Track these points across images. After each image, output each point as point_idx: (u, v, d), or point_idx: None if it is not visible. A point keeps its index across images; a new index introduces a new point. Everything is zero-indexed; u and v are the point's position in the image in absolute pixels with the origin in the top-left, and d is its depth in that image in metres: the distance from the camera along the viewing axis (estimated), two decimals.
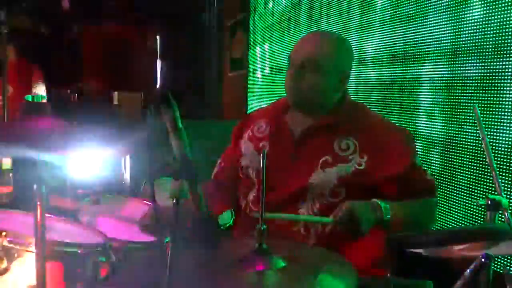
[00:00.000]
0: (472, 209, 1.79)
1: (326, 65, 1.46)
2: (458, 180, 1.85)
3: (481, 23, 1.72)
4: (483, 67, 1.73)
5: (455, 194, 1.87)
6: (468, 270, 0.77)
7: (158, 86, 5.94)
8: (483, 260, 0.74)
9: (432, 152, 1.99)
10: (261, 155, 1.03)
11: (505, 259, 1.52)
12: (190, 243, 0.97)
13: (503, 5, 1.62)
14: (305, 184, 1.44)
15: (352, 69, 1.59)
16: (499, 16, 1.64)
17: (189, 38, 5.67)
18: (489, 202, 1.14)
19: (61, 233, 1.36)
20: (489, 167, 1.25)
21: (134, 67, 6.34)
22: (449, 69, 1.88)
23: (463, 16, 1.80)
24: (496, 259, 1.30)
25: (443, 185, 1.92)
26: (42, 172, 0.87)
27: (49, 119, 0.84)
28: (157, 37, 5.94)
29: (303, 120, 1.54)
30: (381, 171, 1.42)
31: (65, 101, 4.17)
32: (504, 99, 1.64)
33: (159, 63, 5.91)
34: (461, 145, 1.84)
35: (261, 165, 1.02)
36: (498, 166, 1.61)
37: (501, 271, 1.10)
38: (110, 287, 1.15)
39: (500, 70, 1.65)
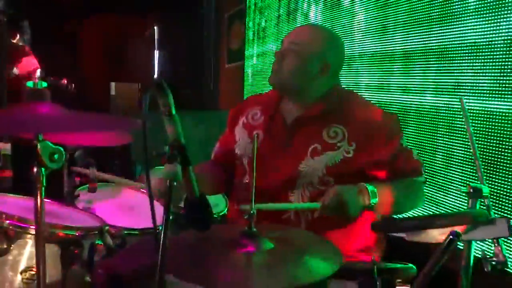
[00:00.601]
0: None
1: (307, 51, 1.50)
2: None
3: None
4: None
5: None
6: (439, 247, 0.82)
7: (155, 76, 5.96)
8: (451, 237, 0.78)
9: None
10: (253, 140, 1.07)
11: (484, 244, 1.57)
12: (183, 226, 1.01)
13: None
14: (295, 172, 1.48)
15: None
16: None
17: (187, 29, 5.67)
18: (471, 190, 1.19)
19: (59, 217, 1.41)
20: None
21: (131, 58, 6.35)
22: None
23: None
24: (477, 245, 1.34)
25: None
26: (41, 156, 0.91)
27: (48, 104, 0.88)
28: (155, 27, 5.95)
29: (295, 109, 1.59)
30: (369, 157, 1.46)
31: (62, 91, 4.20)
32: None
33: (156, 54, 5.92)
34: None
35: (252, 149, 1.06)
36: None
37: (480, 255, 1.15)
38: (106, 269, 1.19)
39: None
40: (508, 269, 1.48)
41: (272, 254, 1.07)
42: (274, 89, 1.63)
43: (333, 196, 1.34)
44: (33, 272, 1.22)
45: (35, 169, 0.92)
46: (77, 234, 1.29)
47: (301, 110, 1.57)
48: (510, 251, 1.57)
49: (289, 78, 1.52)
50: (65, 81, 4.51)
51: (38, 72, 3.58)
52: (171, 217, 0.88)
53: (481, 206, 1.21)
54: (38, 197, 0.93)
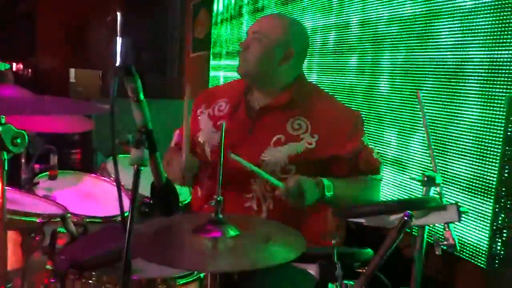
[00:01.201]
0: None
1: (269, 39, 1.54)
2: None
3: None
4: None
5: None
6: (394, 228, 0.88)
7: (117, 64, 5.82)
8: (405, 218, 0.84)
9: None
10: (221, 128, 1.09)
11: (435, 229, 1.66)
12: (150, 211, 1.02)
13: None
14: (257, 161, 1.51)
15: None
16: None
17: (151, 17, 5.57)
18: (425, 178, 1.26)
19: (19, 204, 1.37)
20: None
21: (92, 44, 6.16)
22: None
23: None
24: (429, 231, 1.43)
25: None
26: (3, 140, 0.89)
27: (13, 86, 0.86)
28: (118, 13, 5.80)
29: (260, 99, 1.61)
30: (330, 150, 1.51)
31: (18, 76, 4.03)
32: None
33: (119, 41, 5.78)
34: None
35: (219, 138, 1.08)
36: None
37: (433, 241, 1.22)
38: (69, 256, 1.18)
39: None
40: (457, 253, 1.59)
41: (237, 239, 1.10)
42: (242, 78, 1.65)
43: (294, 184, 1.39)
44: None
45: None
46: (38, 221, 1.27)
47: (267, 99, 1.60)
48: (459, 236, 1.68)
49: (254, 66, 1.56)
50: (21, 66, 4.34)
51: None
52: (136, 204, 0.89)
53: (434, 193, 1.29)
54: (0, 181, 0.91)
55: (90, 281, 1.17)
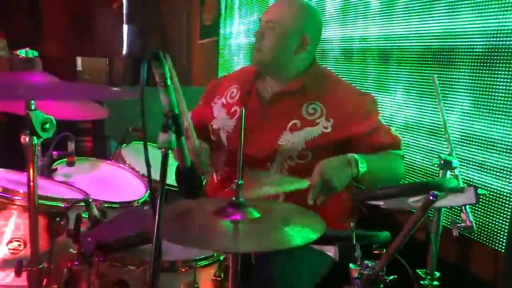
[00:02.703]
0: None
1: (284, 28, 1.53)
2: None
3: None
4: None
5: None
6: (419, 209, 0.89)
7: (124, 52, 5.82)
8: (431, 198, 0.86)
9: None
10: (239, 114, 1.10)
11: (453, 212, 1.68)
12: (172, 196, 1.04)
13: None
14: (274, 146, 1.53)
15: None
16: None
17: (157, 3, 5.54)
18: (442, 162, 1.28)
19: (43, 189, 1.40)
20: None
21: (98, 31, 6.14)
22: None
23: None
24: (445, 214, 1.44)
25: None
26: (34, 125, 0.91)
27: (42, 73, 0.87)
28: (123, 0, 5.78)
29: (272, 85, 1.62)
30: (347, 132, 1.52)
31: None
32: None
33: (125, 28, 5.77)
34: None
35: (237, 123, 1.08)
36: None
37: (450, 226, 1.25)
38: (95, 238, 1.21)
39: None
40: (474, 236, 1.60)
41: (257, 222, 1.12)
42: (257, 69, 1.65)
43: (318, 177, 1.37)
44: (19, 243, 1.22)
45: (26, 139, 0.93)
46: (63, 205, 1.30)
47: (281, 85, 1.61)
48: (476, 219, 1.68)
49: (270, 56, 1.55)
50: None
51: (1, 43, 3.42)
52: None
53: (451, 176, 1.31)
54: (31, 166, 0.94)
55: (115, 263, 1.20)
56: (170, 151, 0.89)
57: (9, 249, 1.23)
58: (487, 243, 1.58)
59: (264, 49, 1.55)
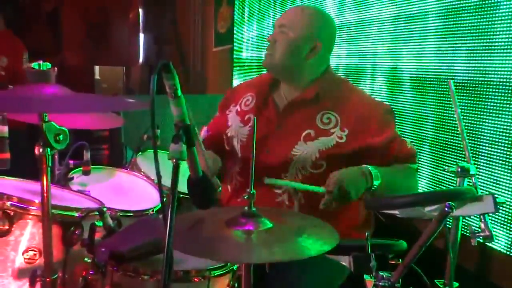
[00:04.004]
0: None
1: (296, 31, 1.53)
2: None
3: None
4: None
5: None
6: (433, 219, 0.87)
7: (140, 60, 5.90)
8: (446, 209, 0.84)
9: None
10: (252, 123, 1.10)
11: (471, 220, 1.64)
12: (186, 204, 1.04)
13: None
14: (288, 156, 1.52)
15: None
16: None
17: (172, 12, 5.61)
18: (459, 169, 1.24)
19: (57, 198, 1.42)
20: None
21: (115, 41, 6.24)
22: None
23: None
24: (463, 222, 1.41)
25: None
26: (47, 137, 0.92)
27: (53, 85, 0.89)
28: (140, 10, 5.86)
29: (289, 92, 1.62)
30: (361, 143, 1.50)
31: None
32: None
33: (142, 37, 5.85)
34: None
35: (249, 131, 1.07)
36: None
37: (468, 233, 1.21)
38: (108, 247, 1.22)
39: None
40: (493, 244, 1.56)
41: (270, 233, 1.11)
42: (268, 71, 1.65)
43: (335, 185, 1.36)
44: (34, 252, 1.24)
45: (40, 150, 0.94)
46: (77, 215, 1.31)
47: (295, 93, 1.60)
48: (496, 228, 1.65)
49: (281, 60, 1.56)
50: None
51: (25, 56, 3.51)
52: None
53: (469, 184, 1.27)
54: (44, 177, 0.95)
55: (128, 273, 1.20)
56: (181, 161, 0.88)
57: (25, 258, 1.24)
58: (508, 252, 1.54)
59: (276, 53, 1.55)
